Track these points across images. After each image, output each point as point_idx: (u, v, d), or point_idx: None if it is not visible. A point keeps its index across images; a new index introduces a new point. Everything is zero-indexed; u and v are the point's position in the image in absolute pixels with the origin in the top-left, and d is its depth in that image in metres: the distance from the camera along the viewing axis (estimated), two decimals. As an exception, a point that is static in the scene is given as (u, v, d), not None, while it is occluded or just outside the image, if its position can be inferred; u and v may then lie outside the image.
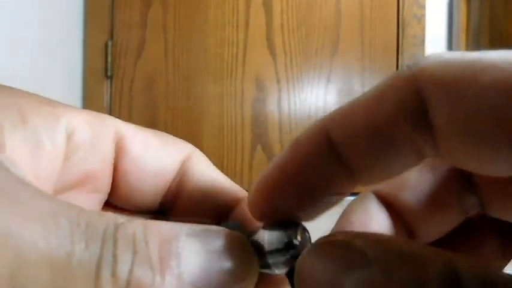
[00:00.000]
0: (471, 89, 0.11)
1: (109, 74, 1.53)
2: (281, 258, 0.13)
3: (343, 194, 0.14)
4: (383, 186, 0.15)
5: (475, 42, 1.44)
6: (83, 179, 0.16)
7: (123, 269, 0.10)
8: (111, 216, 0.11)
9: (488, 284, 0.09)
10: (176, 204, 0.18)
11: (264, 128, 1.56)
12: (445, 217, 0.15)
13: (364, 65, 1.57)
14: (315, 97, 1.57)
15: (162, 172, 0.17)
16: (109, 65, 1.53)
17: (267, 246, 0.13)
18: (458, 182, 0.14)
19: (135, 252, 0.11)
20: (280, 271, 0.13)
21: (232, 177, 1.57)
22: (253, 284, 0.13)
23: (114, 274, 0.10)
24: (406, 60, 1.55)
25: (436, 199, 0.14)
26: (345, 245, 0.11)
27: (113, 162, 0.16)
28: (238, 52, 1.56)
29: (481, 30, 1.41)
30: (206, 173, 0.18)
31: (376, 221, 0.14)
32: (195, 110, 1.55)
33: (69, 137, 0.15)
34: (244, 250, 0.12)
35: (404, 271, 0.10)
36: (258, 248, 0.14)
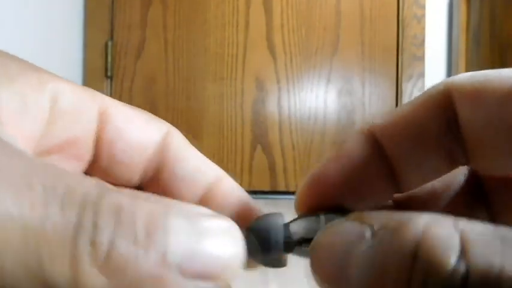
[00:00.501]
0: (492, 98, 0.13)
1: (109, 74, 1.54)
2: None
3: (382, 199, 0.16)
4: (377, 122, 0.16)
5: (475, 42, 1.44)
6: (65, 144, 0.15)
7: (103, 239, 0.10)
8: (94, 183, 0.11)
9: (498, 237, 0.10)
10: (155, 180, 0.17)
11: (264, 128, 1.56)
12: (427, 160, 0.15)
13: (364, 65, 1.57)
14: (315, 97, 1.57)
15: (143, 145, 0.17)
16: (109, 65, 1.53)
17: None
18: (444, 128, 0.15)
19: (119, 223, 0.10)
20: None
21: (232, 177, 1.58)
22: (237, 272, 0.12)
23: (93, 243, 0.10)
24: (406, 60, 1.55)
25: (419, 139, 0.15)
26: (354, 221, 0.12)
27: (96, 131, 0.16)
28: (238, 52, 1.56)
29: (481, 30, 1.41)
30: (186, 150, 0.18)
31: (358, 152, 0.15)
32: (195, 110, 1.56)
33: (53, 101, 0.15)
34: (234, 237, 0.12)
35: (401, 239, 0.11)
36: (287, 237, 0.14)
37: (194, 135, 1.54)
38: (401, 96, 1.55)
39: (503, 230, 0.10)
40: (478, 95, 0.13)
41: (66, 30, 1.44)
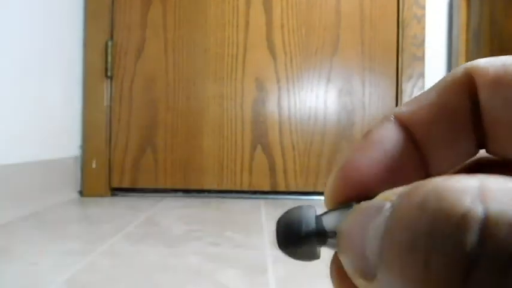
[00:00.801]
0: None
1: (109, 74, 1.53)
2: None
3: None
4: (402, 109, 0.16)
5: (475, 42, 1.44)
6: None
7: None
8: None
9: None
10: None
11: (264, 128, 1.56)
12: (456, 144, 0.15)
13: (364, 65, 1.57)
14: (315, 97, 1.57)
15: None
16: (109, 65, 1.53)
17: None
18: (469, 111, 0.15)
19: None
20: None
21: (232, 177, 1.58)
22: None
23: None
24: (406, 60, 1.55)
25: (449, 126, 0.15)
26: (377, 199, 0.12)
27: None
28: (238, 52, 1.56)
29: (481, 30, 1.41)
30: None
31: (391, 141, 0.15)
32: (195, 110, 1.55)
33: None
34: None
35: (410, 198, 0.10)
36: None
37: (194, 135, 1.54)
38: (401, 96, 1.55)
39: None
40: (500, 78, 0.14)
41: (66, 30, 1.44)
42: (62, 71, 1.42)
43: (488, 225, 0.08)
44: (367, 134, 0.15)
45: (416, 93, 1.55)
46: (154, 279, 0.71)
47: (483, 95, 0.14)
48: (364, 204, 0.12)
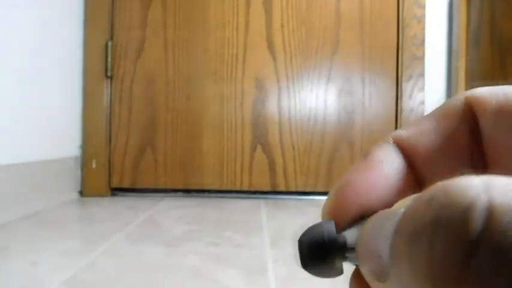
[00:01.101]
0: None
1: (109, 74, 1.53)
2: None
3: None
4: (401, 132, 0.16)
5: (475, 42, 1.44)
6: None
7: None
8: None
9: None
10: None
11: (264, 128, 1.56)
12: (454, 170, 0.15)
13: (364, 65, 1.57)
14: (315, 97, 1.57)
15: None
16: (109, 65, 1.53)
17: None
18: (468, 140, 0.15)
19: None
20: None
21: (232, 177, 1.58)
22: None
23: None
24: (406, 60, 1.55)
25: (448, 154, 0.15)
26: (390, 209, 0.12)
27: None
28: (238, 52, 1.56)
29: (481, 30, 1.41)
30: None
31: (391, 164, 0.15)
32: (195, 110, 1.55)
33: None
34: None
35: (419, 199, 0.10)
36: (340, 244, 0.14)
37: (194, 135, 1.54)
38: (401, 96, 1.55)
39: None
40: (502, 107, 0.14)
41: (66, 30, 1.44)
42: (62, 71, 1.42)
43: (492, 214, 0.09)
44: (366, 155, 0.16)
45: (417, 93, 1.55)
46: (154, 279, 0.71)
47: (486, 124, 0.14)
48: (377, 215, 0.13)
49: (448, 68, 1.57)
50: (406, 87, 1.55)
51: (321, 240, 0.14)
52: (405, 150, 0.16)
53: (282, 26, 1.56)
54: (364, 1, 1.56)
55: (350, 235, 0.14)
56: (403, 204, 0.12)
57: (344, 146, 1.55)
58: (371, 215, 0.13)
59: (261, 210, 1.32)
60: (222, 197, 1.53)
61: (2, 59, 1.10)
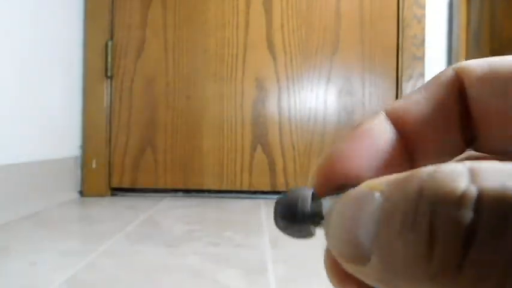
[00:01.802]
0: (499, 80, 0.14)
1: (109, 74, 1.54)
2: None
3: None
4: (392, 104, 0.16)
5: (475, 42, 1.44)
6: None
7: None
8: None
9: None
10: None
11: (264, 128, 1.56)
12: (444, 141, 0.16)
13: (364, 65, 1.57)
14: (315, 97, 1.57)
15: None
16: (109, 65, 1.53)
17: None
18: (457, 110, 0.16)
19: None
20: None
21: (232, 177, 1.58)
22: None
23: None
24: (406, 60, 1.55)
25: (438, 123, 0.16)
26: (364, 187, 0.12)
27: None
28: (238, 52, 1.56)
29: (481, 30, 1.41)
30: None
31: (380, 134, 0.16)
32: (195, 110, 1.55)
33: None
34: None
35: (406, 186, 0.11)
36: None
37: (194, 135, 1.54)
38: (401, 96, 1.55)
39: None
40: (485, 74, 0.15)
41: (66, 30, 1.44)
42: (62, 71, 1.42)
43: (481, 201, 0.09)
44: (357, 126, 0.16)
45: (416, 93, 1.55)
46: (154, 279, 0.71)
47: (472, 89, 0.15)
48: (351, 192, 0.13)
49: (448, 68, 1.57)
50: (406, 87, 1.55)
51: (294, 205, 0.15)
52: (396, 121, 0.16)
53: (282, 26, 1.56)
54: (364, 1, 1.56)
55: (329, 203, 0.14)
56: (375, 185, 0.12)
57: (344, 146, 1.55)
58: (356, 184, 0.13)
59: (261, 210, 1.32)
60: (222, 197, 1.53)
61: (2, 59, 1.10)
